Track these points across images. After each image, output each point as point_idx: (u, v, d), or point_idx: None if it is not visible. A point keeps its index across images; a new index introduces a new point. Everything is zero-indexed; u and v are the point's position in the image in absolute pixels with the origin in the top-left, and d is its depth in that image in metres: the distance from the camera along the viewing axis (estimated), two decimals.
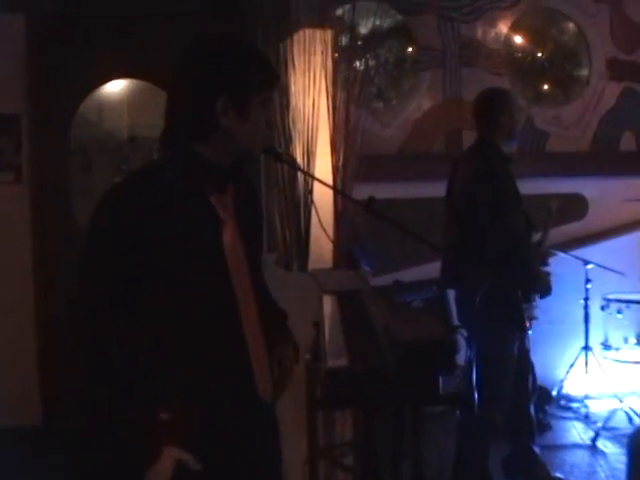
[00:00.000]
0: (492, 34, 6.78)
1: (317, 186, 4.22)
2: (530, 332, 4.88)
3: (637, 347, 6.14)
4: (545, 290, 4.71)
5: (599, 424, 5.67)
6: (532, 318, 4.97)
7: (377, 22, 6.11)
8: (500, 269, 4.35)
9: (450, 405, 4.33)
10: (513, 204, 4.49)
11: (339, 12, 5.54)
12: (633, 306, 6.06)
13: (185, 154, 2.28)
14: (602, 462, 5.22)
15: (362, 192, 4.71)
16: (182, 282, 2.19)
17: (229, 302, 2.28)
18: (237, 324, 2.29)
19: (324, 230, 3.99)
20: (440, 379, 3.59)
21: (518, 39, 6.92)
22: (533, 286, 4.68)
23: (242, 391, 2.32)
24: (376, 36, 6.26)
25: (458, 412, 4.45)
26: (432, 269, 5.32)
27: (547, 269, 4.94)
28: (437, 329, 4.29)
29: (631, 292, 6.15)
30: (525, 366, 4.89)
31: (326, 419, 4.40)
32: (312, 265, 4.97)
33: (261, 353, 2.39)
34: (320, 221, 3.83)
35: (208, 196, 2.27)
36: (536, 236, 4.98)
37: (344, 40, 5.20)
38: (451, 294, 4.92)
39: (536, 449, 4.82)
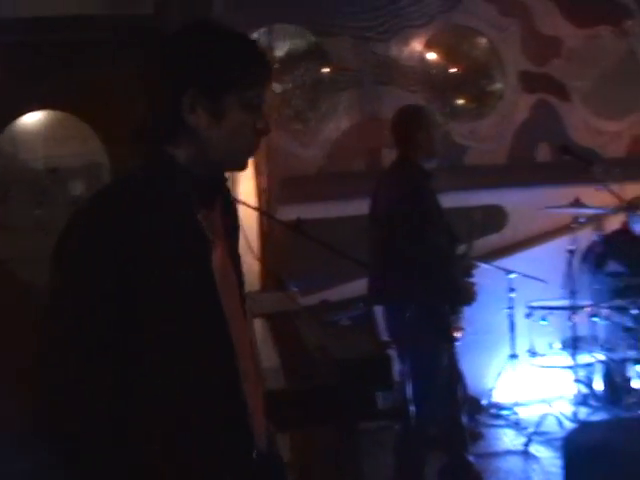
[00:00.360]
0: (407, 52, 6.87)
1: (242, 209, 4.23)
2: (458, 343, 4.95)
3: (562, 352, 6.24)
4: (470, 300, 4.80)
5: (530, 430, 5.77)
6: (459, 329, 5.05)
7: (292, 44, 6.16)
8: (426, 283, 4.42)
9: (389, 419, 4.38)
10: (435, 219, 4.56)
11: (255, 35, 5.57)
12: (557, 312, 6.17)
13: (160, 157, 1.93)
14: (535, 467, 5.32)
15: (286, 213, 4.78)
16: (170, 312, 1.86)
17: (220, 329, 1.96)
18: (230, 354, 1.98)
19: (252, 251, 4.01)
20: (378, 395, 3.64)
21: (432, 56, 7.03)
22: (459, 298, 4.77)
23: (238, 436, 1.99)
24: (292, 58, 6.29)
25: (397, 426, 4.51)
26: (358, 287, 5.39)
27: (471, 280, 5.02)
28: (370, 345, 4.35)
29: (554, 299, 6.26)
30: (455, 376, 4.97)
31: None
32: None
33: (255, 389, 2.09)
34: (248, 243, 3.86)
35: (195, 214, 1.92)
36: (461, 248, 5.07)
37: None
38: (378, 310, 4.99)
39: (470, 458, 4.89)
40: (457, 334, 4.94)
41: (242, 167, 2.04)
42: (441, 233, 4.61)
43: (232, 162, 2.02)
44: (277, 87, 5.76)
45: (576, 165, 5.32)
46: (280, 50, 6.01)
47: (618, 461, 3.91)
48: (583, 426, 5.28)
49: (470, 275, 5.14)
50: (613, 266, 6.58)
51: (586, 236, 6.72)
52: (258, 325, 4.17)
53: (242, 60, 1.90)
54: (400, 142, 4.79)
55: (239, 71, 1.89)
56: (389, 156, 6.59)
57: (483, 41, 7.21)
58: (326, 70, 6.69)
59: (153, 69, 1.96)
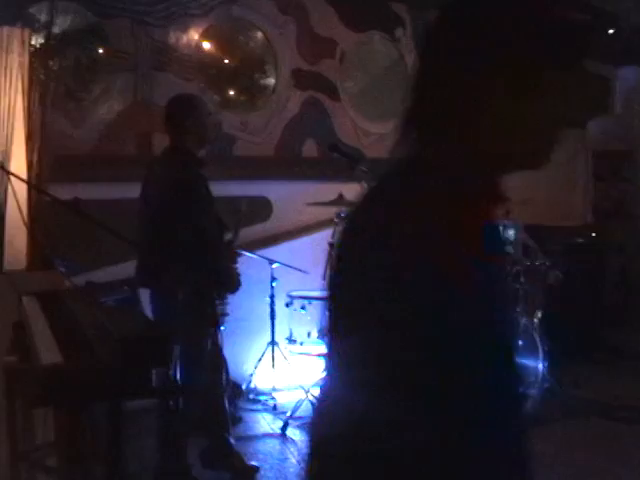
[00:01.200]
0: (184, 40, 6.90)
1: (15, 184, 4.17)
2: (223, 328, 5.06)
3: (319, 341, 6.46)
4: (235, 287, 4.93)
5: (287, 414, 5.97)
6: (224, 314, 5.17)
7: (72, 22, 6.04)
8: (194, 269, 4.51)
9: (162, 397, 4.42)
10: (206, 206, 4.64)
11: (34, 10, 5.44)
12: (315, 302, 6.38)
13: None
14: (292, 449, 5.53)
15: (57, 192, 4.71)
16: None
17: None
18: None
19: (26, 227, 3.96)
20: (153, 373, 3.69)
21: (209, 46, 7.11)
22: (226, 284, 4.88)
23: None
24: (70, 37, 6.16)
25: (171, 403, 4.53)
26: (122, 270, 5.42)
27: (237, 267, 5.13)
28: (142, 325, 4.39)
29: (313, 289, 6.44)
30: (218, 361, 5.06)
31: (27, 421, 4.34)
32: (8, 266, 4.89)
33: None
34: (24, 220, 3.81)
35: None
36: (227, 236, 5.18)
37: (39, 40, 5.14)
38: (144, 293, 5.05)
39: (231, 440, 5.02)
40: (222, 320, 5.05)
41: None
42: (211, 220, 4.70)
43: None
44: (52, 64, 5.62)
45: (341, 163, 5.51)
46: (59, 27, 5.87)
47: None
48: None
49: (235, 262, 5.27)
50: None
51: None
52: (28, 303, 4.11)
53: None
54: (172, 129, 4.83)
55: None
56: (160, 142, 6.63)
57: (259, 36, 7.38)
58: (103, 51, 6.60)
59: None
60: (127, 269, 5.78)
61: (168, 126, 4.87)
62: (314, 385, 6.45)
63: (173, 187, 4.57)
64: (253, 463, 5.21)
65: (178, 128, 4.77)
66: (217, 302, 4.90)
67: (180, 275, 4.50)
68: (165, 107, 4.96)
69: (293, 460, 5.32)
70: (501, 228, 7.75)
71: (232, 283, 4.92)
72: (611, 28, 8.31)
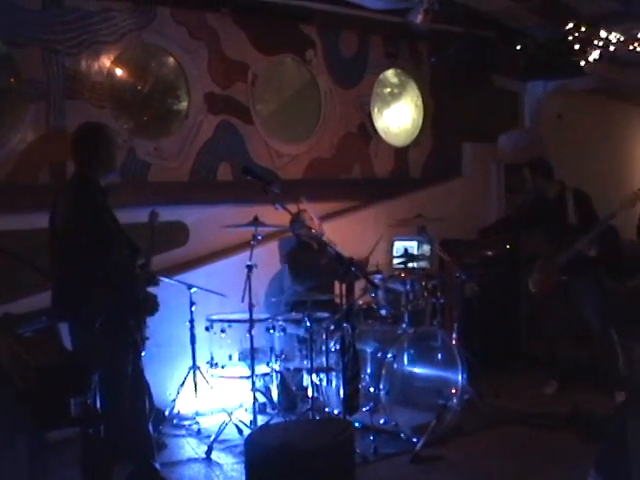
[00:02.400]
0: (96, 67, 6.86)
1: None
2: (143, 353, 5.05)
3: (240, 363, 6.47)
4: (153, 310, 4.95)
5: (212, 438, 5.93)
6: (145, 339, 5.16)
7: None
8: (110, 296, 4.51)
9: (82, 425, 4.39)
10: (113, 233, 4.65)
11: None
12: (235, 325, 6.38)
13: None
14: (218, 472, 5.49)
15: None
16: None
17: None
18: None
19: None
20: (72, 402, 3.68)
21: (121, 72, 7.08)
22: (142, 307, 4.89)
23: None
24: None
25: (91, 431, 4.49)
26: (42, 300, 5.38)
27: (153, 291, 5.14)
28: (58, 355, 4.37)
29: (232, 312, 6.47)
30: (141, 387, 5.05)
31: None
32: None
33: None
34: None
35: None
36: (140, 259, 5.19)
37: None
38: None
39: (157, 466, 4.99)
40: (143, 344, 5.04)
41: None
42: (121, 246, 4.71)
43: None
44: None
45: (255, 185, 5.56)
46: None
47: (294, 459, 4.21)
48: (262, 428, 5.49)
49: (155, 284, 5.28)
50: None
51: (263, 252, 7.07)
52: None
53: None
54: (78, 158, 4.83)
55: None
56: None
57: (171, 60, 7.38)
58: (13, 81, 6.49)
59: None
60: (46, 299, 5.73)
61: (73, 155, 4.86)
62: (237, 407, 6.49)
63: (76, 215, 4.57)
64: None
65: (84, 156, 4.78)
66: (135, 327, 4.88)
67: (94, 304, 4.50)
68: (72, 135, 4.96)
69: None
70: (416, 244, 7.93)
71: (149, 307, 4.93)
72: (518, 44, 8.54)
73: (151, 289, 5.09)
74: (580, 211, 6.81)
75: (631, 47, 7.93)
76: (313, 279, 6.69)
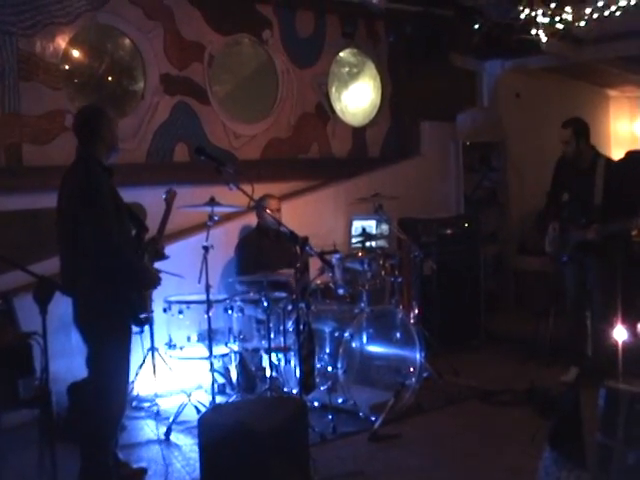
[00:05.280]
0: (51, 49, 6.80)
1: None
2: None
3: (199, 344, 6.50)
4: (154, 284, 5.03)
5: (170, 419, 5.96)
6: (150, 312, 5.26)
7: None
8: (106, 270, 4.52)
9: (31, 407, 4.39)
10: (115, 212, 4.66)
11: None
12: (193, 306, 6.40)
13: None
14: (177, 453, 5.52)
15: None
16: None
17: None
18: None
19: None
20: (20, 383, 3.67)
21: (76, 54, 7.04)
22: (142, 283, 4.92)
23: None
24: None
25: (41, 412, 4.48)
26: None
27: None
28: (10, 336, 4.37)
29: (190, 294, 6.44)
30: None
31: None
32: None
33: None
34: None
35: None
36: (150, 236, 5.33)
37: None
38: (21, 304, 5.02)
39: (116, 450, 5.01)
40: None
41: None
42: (122, 226, 4.73)
43: None
44: None
45: (212, 166, 5.55)
46: None
47: (246, 437, 4.23)
48: (214, 408, 5.49)
49: (161, 259, 5.57)
50: None
51: (220, 233, 7.08)
52: None
53: None
54: (83, 140, 4.84)
55: None
56: (30, 152, 6.58)
57: (127, 41, 7.34)
58: None
59: None
60: (2, 281, 5.74)
61: (79, 136, 4.87)
62: (196, 388, 6.51)
63: (80, 195, 4.58)
64: (141, 465, 5.27)
65: (89, 138, 4.79)
66: (138, 302, 4.87)
67: (99, 280, 4.51)
68: (75, 119, 4.98)
69: (178, 465, 5.31)
70: (374, 223, 7.95)
71: (149, 281, 4.98)
72: (475, 23, 8.53)
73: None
74: (608, 182, 6.61)
75: (582, 23, 7.93)
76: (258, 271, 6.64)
